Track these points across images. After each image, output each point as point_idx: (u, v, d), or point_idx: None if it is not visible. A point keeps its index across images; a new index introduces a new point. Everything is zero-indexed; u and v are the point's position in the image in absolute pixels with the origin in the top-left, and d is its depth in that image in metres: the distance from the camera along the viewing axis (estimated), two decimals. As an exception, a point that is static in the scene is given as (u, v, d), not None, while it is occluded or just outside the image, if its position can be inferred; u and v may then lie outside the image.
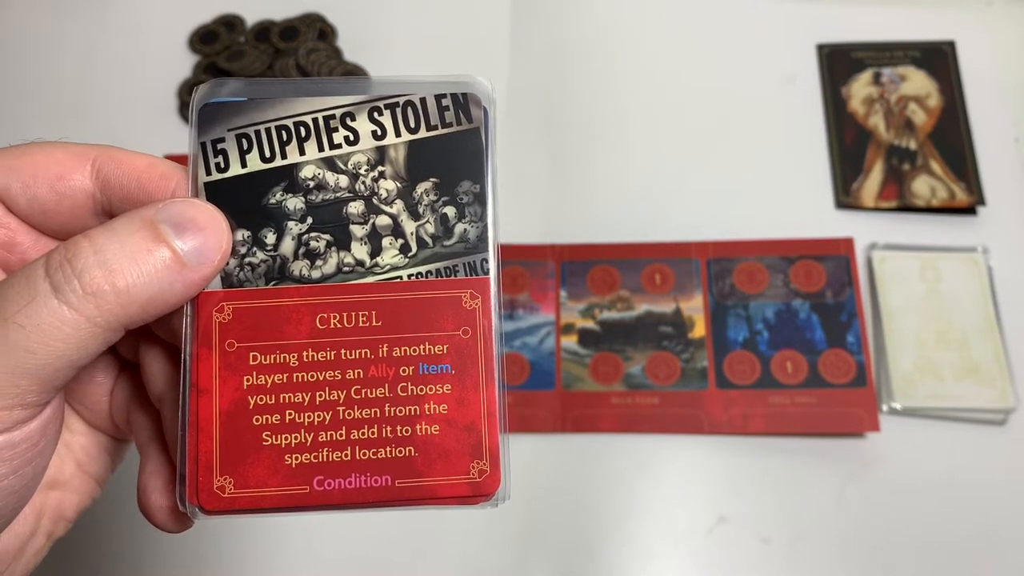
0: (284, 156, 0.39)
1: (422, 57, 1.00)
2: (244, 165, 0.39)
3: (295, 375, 0.37)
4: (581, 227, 0.91)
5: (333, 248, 0.39)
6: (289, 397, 0.37)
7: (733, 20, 1.01)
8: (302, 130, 0.39)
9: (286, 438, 0.37)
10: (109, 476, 0.47)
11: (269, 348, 0.38)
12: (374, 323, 0.38)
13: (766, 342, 0.84)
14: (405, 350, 0.38)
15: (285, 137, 0.39)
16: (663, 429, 0.82)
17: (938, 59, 0.97)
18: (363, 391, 0.37)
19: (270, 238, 0.38)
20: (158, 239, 0.35)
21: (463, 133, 0.40)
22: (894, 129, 0.93)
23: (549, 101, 0.97)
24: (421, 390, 0.38)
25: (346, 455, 0.37)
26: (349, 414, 0.37)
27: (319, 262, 0.38)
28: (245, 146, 0.39)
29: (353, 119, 0.39)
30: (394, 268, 0.39)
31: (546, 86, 0.98)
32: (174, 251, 0.35)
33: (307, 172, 0.39)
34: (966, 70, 0.96)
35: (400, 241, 0.39)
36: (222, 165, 0.39)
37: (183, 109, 0.97)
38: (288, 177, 0.39)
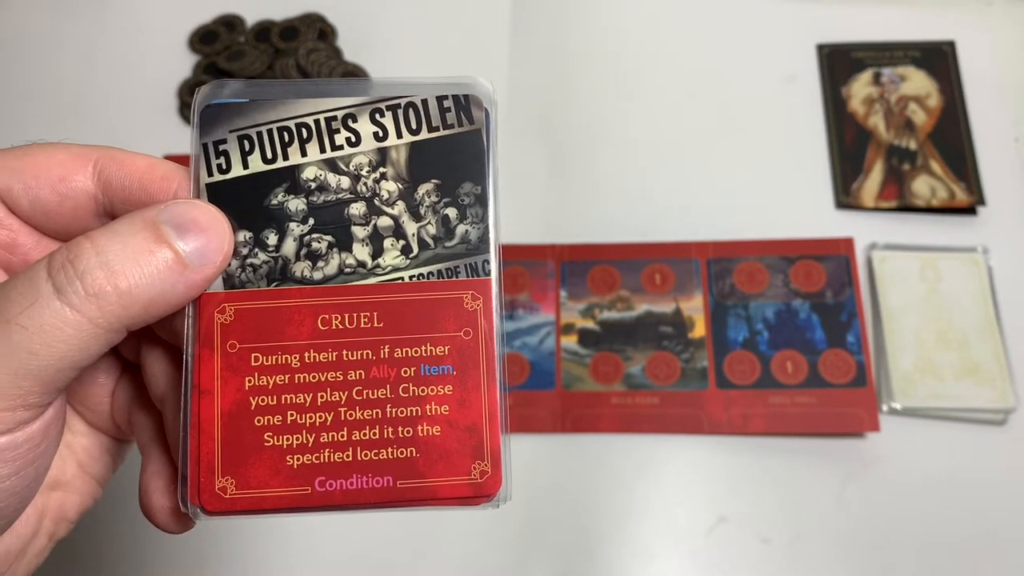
0: (286, 157, 0.39)
1: (422, 57, 1.00)
2: (246, 166, 0.39)
3: (297, 376, 0.37)
4: (581, 227, 0.91)
5: (335, 249, 0.39)
6: (291, 398, 0.37)
7: (733, 20, 1.01)
8: (304, 131, 0.39)
9: (288, 439, 0.37)
10: (110, 477, 0.47)
11: (271, 349, 0.38)
12: (376, 324, 0.38)
13: (766, 342, 0.84)
14: (407, 351, 0.38)
15: (287, 138, 0.39)
16: (663, 429, 0.82)
17: (938, 59, 0.97)
18: (365, 392, 0.37)
19: (272, 239, 0.38)
20: (160, 240, 0.35)
21: (464, 134, 0.40)
22: (894, 129, 0.93)
23: (549, 101, 0.97)
24: (423, 391, 0.38)
25: (348, 456, 0.37)
26: (351, 415, 0.37)
27: (321, 263, 0.38)
28: (247, 147, 0.39)
29: (355, 120, 0.39)
30: (396, 269, 0.39)
31: (546, 86, 0.98)
32: (176, 252, 0.35)
33: (309, 173, 0.39)
34: (966, 70, 0.96)
35: (402, 242, 0.39)
36: (224, 166, 0.39)
37: (183, 109, 0.97)
38: (290, 178, 0.39)
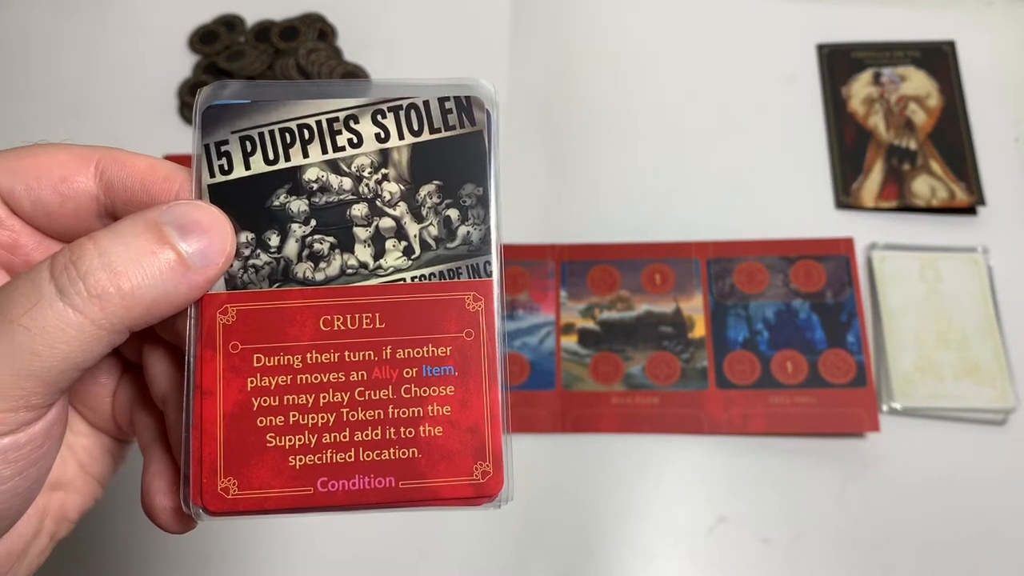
0: (288, 158, 0.39)
1: (422, 57, 1.00)
2: (248, 167, 0.39)
3: (299, 377, 0.38)
4: (581, 227, 0.91)
5: (337, 250, 0.39)
6: (293, 399, 0.37)
7: (733, 20, 1.01)
8: (306, 132, 0.39)
9: (290, 440, 0.37)
10: (111, 477, 0.47)
11: (273, 350, 0.38)
12: (378, 325, 0.38)
13: (766, 342, 0.84)
14: (409, 352, 0.38)
15: (289, 139, 0.39)
16: (663, 429, 0.82)
17: (938, 59, 0.97)
18: (367, 393, 0.38)
19: (274, 240, 0.38)
20: (162, 241, 0.35)
21: (466, 136, 0.40)
22: (894, 129, 0.93)
23: (549, 101, 0.97)
24: (424, 392, 0.38)
25: (350, 456, 0.37)
26: (353, 416, 0.37)
27: (323, 264, 0.39)
28: (249, 148, 0.39)
29: (357, 122, 0.39)
30: (397, 270, 0.39)
31: (546, 86, 0.98)
32: (178, 253, 0.35)
33: (311, 174, 0.39)
34: (966, 70, 0.96)
35: (403, 243, 0.39)
36: (226, 167, 0.39)
37: (183, 109, 0.97)
38: (292, 179, 0.39)
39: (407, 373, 0.38)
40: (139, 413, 0.43)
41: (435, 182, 0.39)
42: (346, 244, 0.39)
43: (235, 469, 0.37)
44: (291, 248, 0.38)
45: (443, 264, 0.39)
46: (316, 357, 0.38)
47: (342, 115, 0.39)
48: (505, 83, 0.97)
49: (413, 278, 0.39)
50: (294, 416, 0.37)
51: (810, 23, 1.00)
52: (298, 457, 0.37)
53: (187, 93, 0.97)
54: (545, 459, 0.81)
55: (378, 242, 0.39)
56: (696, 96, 0.97)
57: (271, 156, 0.39)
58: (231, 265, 0.38)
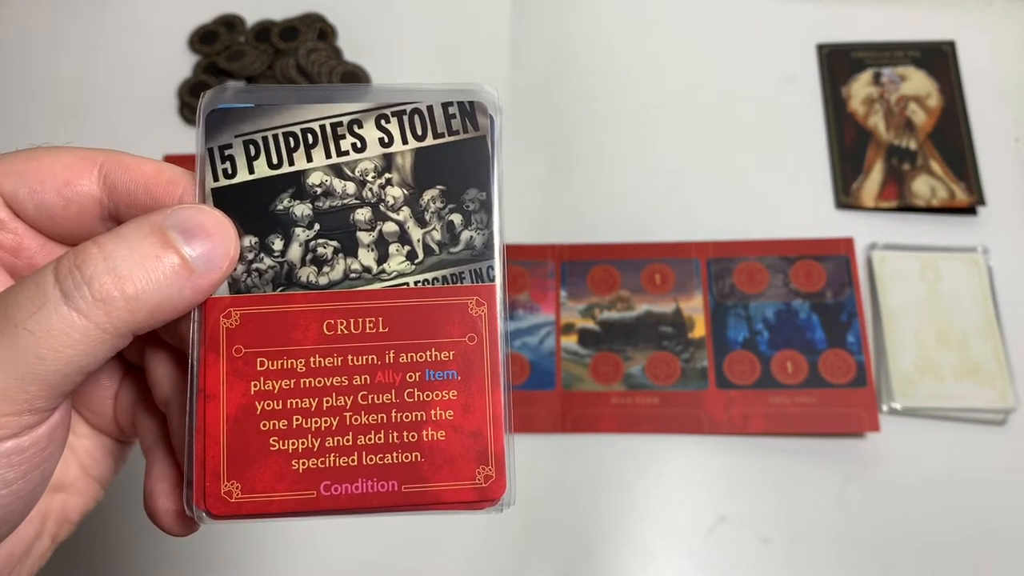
0: (291, 163, 0.39)
1: (422, 57, 1.00)
2: (251, 171, 0.39)
3: (302, 381, 0.38)
4: (581, 227, 0.91)
5: (340, 254, 0.39)
6: (296, 403, 0.37)
7: (733, 20, 1.01)
8: (309, 137, 0.39)
9: (293, 443, 0.37)
10: (112, 478, 0.47)
11: (276, 354, 0.38)
12: (381, 329, 0.38)
13: (766, 342, 0.84)
14: (412, 356, 0.38)
15: (292, 144, 0.39)
16: (663, 429, 0.82)
17: (938, 59, 0.97)
18: (370, 397, 0.38)
19: (277, 244, 0.38)
20: (167, 245, 0.35)
21: (469, 141, 0.40)
22: (894, 129, 0.93)
23: (549, 101, 0.97)
24: (427, 396, 0.38)
25: (353, 460, 0.37)
26: (356, 420, 0.37)
27: (326, 268, 0.39)
28: (252, 152, 0.39)
29: (360, 126, 0.39)
30: (401, 275, 0.39)
31: (546, 86, 0.98)
32: (183, 257, 0.35)
33: (314, 179, 0.39)
34: (966, 70, 0.96)
35: (407, 248, 0.39)
36: (229, 171, 0.39)
37: (183, 109, 0.97)
38: (295, 184, 0.39)
39: (410, 377, 0.38)
40: (141, 415, 0.44)
41: (439, 187, 0.39)
42: (350, 248, 0.39)
43: (238, 473, 0.37)
44: (295, 252, 0.39)
45: (446, 269, 0.39)
46: (319, 361, 0.38)
47: (346, 119, 0.39)
48: (505, 83, 0.97)
49: (416, 282, 0.39)
50: (297, 420, 0.37)
51: (810, 23, 1.00)
52: (301, 461, 0.37)
53: (187, 93, 0.97)
54: (545, 459, 0.82)
55: (381, 246, 0.39)
56: (696, 96, 0.97)
57: (275, 160, 0.39)
58: (235, 269, 0.38)
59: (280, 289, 0.38)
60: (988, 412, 0.82)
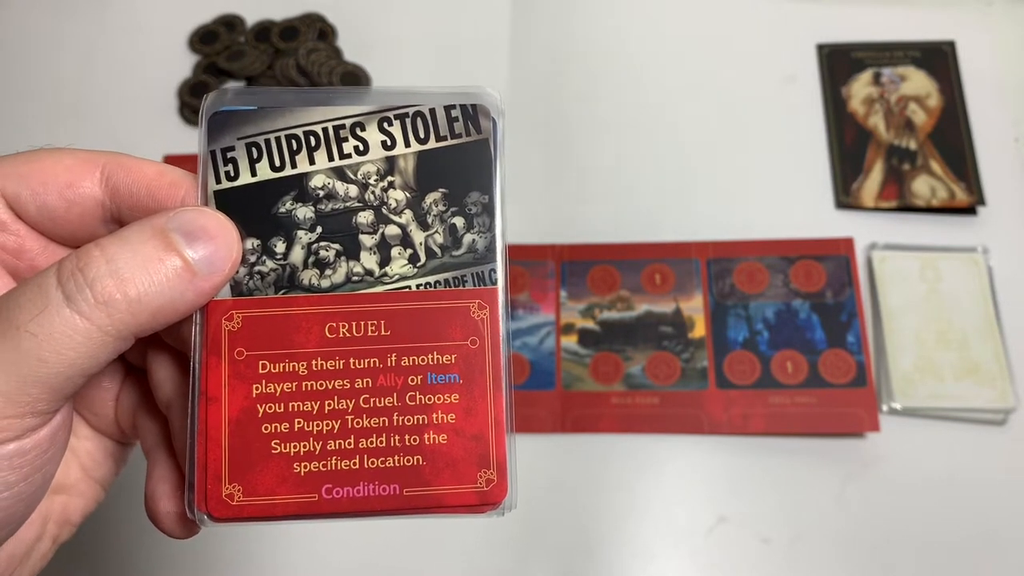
0: (294, 165, 0.39)
1: (422, 57, 1.00)
2: (254, 174, 0.39)
3: (304, 384, 0.38)
4: (581, 227, 0.91)
5: (342, 257, 0.39)
6: (298, 406, 0.37)
7: (733, 20, 1.01)
8: (312, 139, 0.39)
9: (295, 446, 0.37)
10: (113, 479, 0.47)
11: (278, 357, 0.38)
12: (383, 332, 0.38)
13: (766, 342, 0.84)
14: (414, 359, 0.38)
15: (295, 146, 0.39)
16: (663, 429, 0.82)
17: (938, 59, 0.97)
18: (372, 400, 0.38)
19: (280, 247, 0.38)
20: (169, 248, 0.35)
21: (472, 144, 0.40)
22: (894, 129, 0.93)
23: (549, 101, 0.97)
24: (429, 399, 0.38)
25: (355, 464, 0.37)
26: (358, 423, 0.37)
27: (328, 271, 0.39)
28: (255, 155, 0.39)
29: (363, 129, 0.39)
30: (403, 278, 0.39)
31: (546, 86, 0.98)
32: (185, 260, 0.35)
33: (317, 181, 0.39)
34: (966, 70, 0.96)
35: (409, 251, 0.39)
36: (232, 174, 0.39)
37: (183, 109, 0.97)
38: (298, 186, 0.39)
39: (412, 381, 0.38)
40: (142, 417, 0.43)
41: (441, 190, 0.39)
42: (352, 251, 0.39)
43: (240, 475, 0.37)
44: (297, 255, 0.38)
45: (448, 272, 0.39)
46: (321, 364, 0.38)
47: (348, 122, 0.39)
48: (505, 83, 0.97)
49: (418, 286, 0.39)
50: (299, 423, 0.37)
51: (810, 23, 1.00)
52: (303, 464, 0.37)
53: (187, 93, 0.97)
54: (545, 459, 0.82)
55: (384, 249, 0.39)
56: (696, 96, 0.97)
57: (277, 163, 0.39)
58: (237, 272, 0.38)
59: (282, 292, 0.38)
60: (988, 412, 0.82)
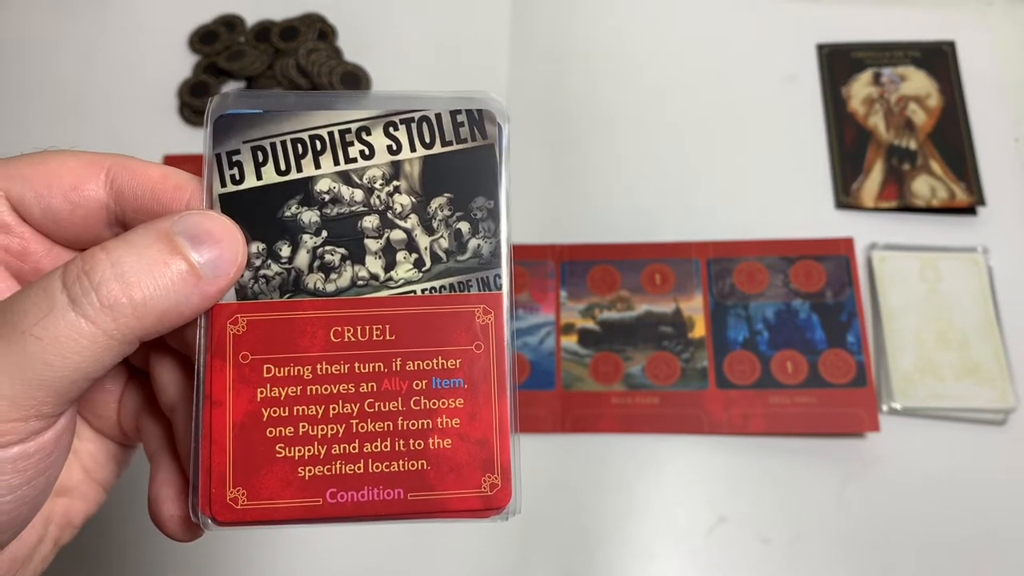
0: (300, 169, 0.39)
1: (422, 57, 1.00)
2: (259, 177, 0.39)
3: (309, 388, 0.38)
4: (581, 227, 0.91)
5: (348, 262, 0.39)
6: (303, 410, 0.37)
7: (733, 20, 1.01)
8: (318, 143, 0.39)
9: (299, 450, 0.37)
10: (115, 482, 0.47)
11: (283, 360, 0.38)
12: (388, 337, 0.38)
13: (766, 342, 0.84)
14: (418, 364, 0.38)
15: (301, 150, 0.39)
16: (663, 429, 0.82)
17: (938, 59, 0.97)
18: (376, 404, 0.38)
19: (285, 251, 0.38)
20: (175, 251, 0.35)
21: (478, 149, 0.40)
22: (894, 129, 0.93)
23: (549, 101, 0.97)
24: (434, 404, 0.38)
25: (359, 468, 0.37)
26: (362, 427, 0.37)
27: (334, 275, 0.38)
28: (260, 158, 0.39)
29: (369, 133, 0.39)
30: (408, 282, 0.39)
31: (546, 86, 0.98)
32: (190, 263, 0.35)
33: (322, 186, 0.39)
34: (966, 70, 0.96)
35: (414, 256, 0.39)
36: (237, 177, 0.39)
37: (183, 109, 0.97)
38: (303, 190, 0.39)
39: (417, 385, 0.38)
40: (146, 420, 0.43)
41: (446, 195, 0.39)
42: (357, 255, 0.39)
43: (244, 479, 0.37)
44: (302, 259, 0.38)
45: (453, 277, 0.39)
46: (326, 368, 0.38)
47: (354, 126, 0.39)
48: (505, 83, 0.97)
49: (423, 290, 0.39)
50: (304, 427, 0.37)
51: (810, 23, 1.00)
52: (307, 468, 0.37)
53: (187, 93, 0.97)
54: (545, 459, 0.82)
55: (389, 254, 0.39)
56: (696, 96, 0.97)
57: (283, 166, 0.39)
58: (242, 275, 0.38)
59: (287, 296, 0.38)
60: (988, 412, 0.82)
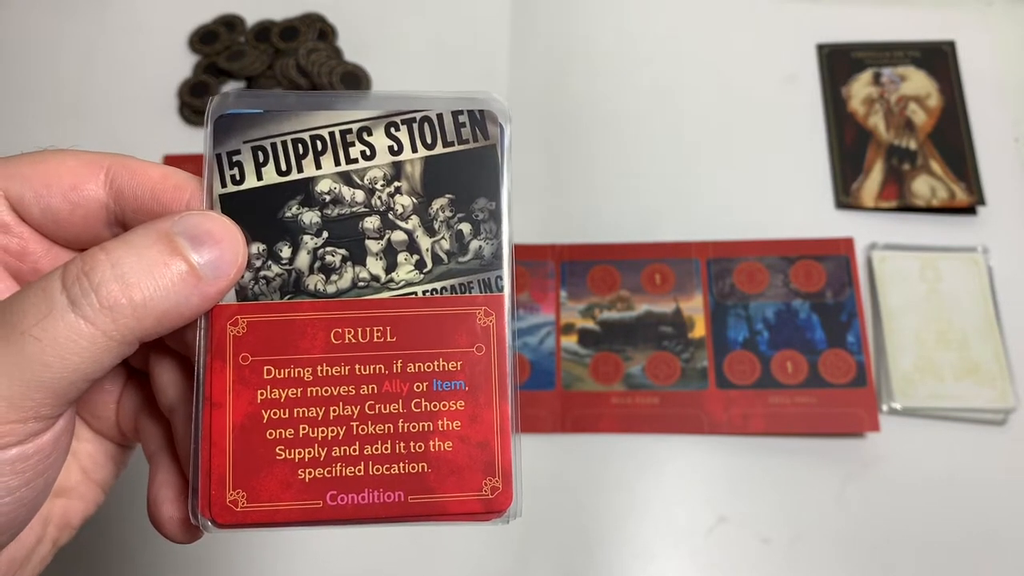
0: (300, 170, 0.39)
1: (422, 58, 1.00)
2: (260, 178, 0.38)
3: (309, 389, 0.37)
4: (581, 227, 0.91)
5: (348, 263, 0.39)
6: (303, 411, 0.37)
7: (733, 20, 1.01)
8: (319, 144, 0.39)
9: (300, 452, 0.37)
10: (113, 482, 0.47)
11: (283, 362, 0.38)
12: (388, 339, 0.38)
13: (766, 342, 0.84)
14: (419, 366, 0.38)
15: (301, 151, 0.39)
16: (663, 429, 0.82)
17: (938, 59, 0.97)
18: (377, 406, 0.37)
19: (285, 252, 0.38)
20: (175, 252, 0.35)
21: (479, 150, 0.40)
22: (894, 129, 0.93)
23: (549, 101, 0.97)
24: (435, 406, 0.38)
25: (359, 470, 0.37)
26: (363, 429, 0.37)
27: (334, 277, 0.38)
28: (261, 159, 0.39)
29: (370, 134, 0.39)
30: (409, 284, 0.39)
31: (546, 86, 0.98)
32: (190, 264, 0.35)
33: (323, 186, 0.39)
34: (966, 70, 0.96)
35: (415, 257, 0.39)
36: (237, 177, 0.38)
37: (183, 109, 0.96)
38: (304, 191, 0.39)
39: (417, 387, 0.38)
40: (145, 421, 0.43)
41: (448, 196, 0.39)
42: (358, 257, 0.39)
43: (244, 481, 0.37)
44: (303, 260, 0.38)
45: (455, 278, 0.39)
46: (326, 370, 0.38)
47: (355, 127, 0.39)
48: (505, 83, 0.97)
49: (424, 292, 0.39)
50: (304, 429, 0.37)
51: (810, 23, 1.00)
52: (307, 470, 0.37)
53: (187, 93, 0.97)
54: (545, 459, 0.82)
55: (390, 255, 0.39)
56: (696, 96, 0.97)
57: (283, 167, 0.39)
58: (242, 276, 0.38)
59: (288, 297, 0.38)
60: (988, 412, 0.82)
